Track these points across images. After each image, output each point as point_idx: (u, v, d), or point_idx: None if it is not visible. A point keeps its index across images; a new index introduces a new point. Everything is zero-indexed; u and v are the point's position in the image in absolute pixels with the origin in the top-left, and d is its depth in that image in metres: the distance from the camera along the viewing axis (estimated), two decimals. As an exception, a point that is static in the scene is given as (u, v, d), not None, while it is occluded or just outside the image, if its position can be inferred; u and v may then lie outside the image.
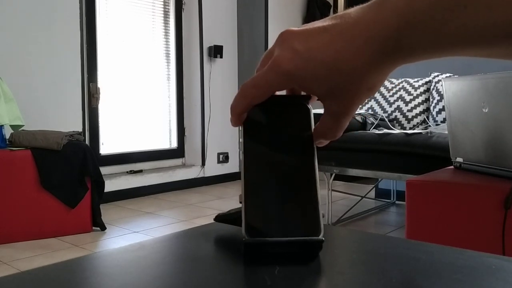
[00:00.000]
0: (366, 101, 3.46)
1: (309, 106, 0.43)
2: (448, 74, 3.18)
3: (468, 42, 0.31)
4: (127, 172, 4.14)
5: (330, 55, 0.34)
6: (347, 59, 0.34)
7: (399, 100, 3.29)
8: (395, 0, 0.32)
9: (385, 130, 2.89)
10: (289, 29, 0.37)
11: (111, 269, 0.39)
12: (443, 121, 3.04)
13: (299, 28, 0.37)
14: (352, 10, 0.35)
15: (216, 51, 4.63)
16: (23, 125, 2.95)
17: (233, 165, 4.90)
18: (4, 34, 3.26)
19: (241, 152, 0.42)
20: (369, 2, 0.34)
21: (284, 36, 0.37)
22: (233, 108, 0.40)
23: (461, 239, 1.55)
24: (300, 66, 0.35)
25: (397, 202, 3.83)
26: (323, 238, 0.38)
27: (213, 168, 4.73)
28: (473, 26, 0.30)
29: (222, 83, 4.76)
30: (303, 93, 0.42)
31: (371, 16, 0.33)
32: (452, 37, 0.31)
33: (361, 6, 0.34)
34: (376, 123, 3.05)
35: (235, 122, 0.41)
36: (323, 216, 0.39)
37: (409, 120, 3.24)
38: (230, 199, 4.03)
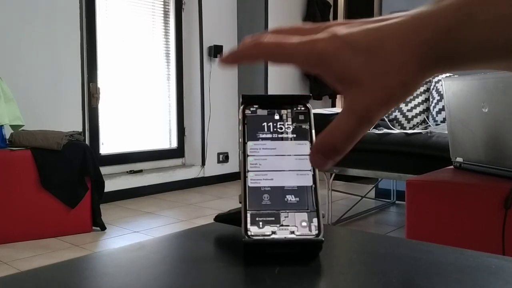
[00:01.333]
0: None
1: (309, 105, 0.43)
2: (448, 74, 3.18)
3: None
4: (127, 172, 4.14)
5: (372, 39, 0.32)
6: (390, 45, 0.32)
7: (399, 100, 3.29)
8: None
9: (385, 130, 2.89)
10: (341, 21, 0.35)
11: (111, 269, 0.39)
12: (443, 121, 3.04)
13: (350, 20, 0.35)
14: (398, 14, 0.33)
15: (216, 51, 4.63)
16: (23, 125, 2.95)
17: (233, 165, 4.90)
18: (4, 34, 3.26)
19: (241, 152, 0.42)
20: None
21: (332, 23, 0.35)
22: (240, 49, 0.36)
23: (461, 239, 1.55)
24: (337, 47, 0.33)
25: (397, 202, 3.83)
26: (323, 238, 0.38)
27: (213, 168, 4.73)
28: None
29: (222, 83, 4.76)
30: (303, 93, 0.42)
31: (427, 9, 0.31)
32: (508, 47, 0.28)
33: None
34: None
35: (226, 61, 0.37)
36: (323, 216, 0.39)
37: (409, 120, 3.24)
38: (230, 199, 4.03)
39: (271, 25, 4.91)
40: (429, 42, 0.31)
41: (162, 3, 4.42)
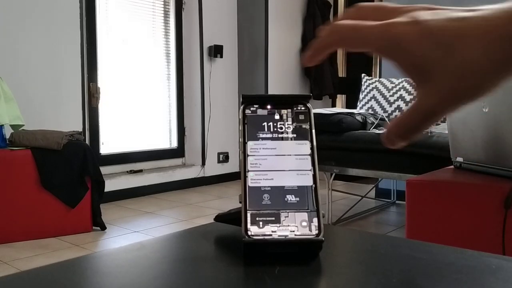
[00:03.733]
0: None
1: (309, 105, 0.43)
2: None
3: None
4: (127, 171, 4.14)
5: (453, 34, 0.30)
6: (470, 42, 0.29)
7: (399, 99, 3.29)
8: None
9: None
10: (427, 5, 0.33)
11: (111, 268, 0.39)
12: (443, 120, 3.04)
13: (437, 6, 0.33)
14: (489, 6, 0.31)
15: (216, 51, 4.63)
16: (23, 125, 2.95)
17: (233, 165, 4.90)
18: (4, 34, 3.26)
19: (241, 152, 0.42)
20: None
21: (416, 7, 0.32)
22: (318, 42, 0.35)
23: (461, 239, 1.55)
24: (414, 37, 0.31)
25: (397, 201, 3.83)
26: (323, 238, 0.38)
27: (213, 168, 4.73)
28: None
29: (222, 83, 4.76)
30: (303, 93, 0.42)
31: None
32: None
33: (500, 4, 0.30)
34: (376, 122, 3.05)
35: (310, 58, 0.36)
36: (323, 216, 0.39)
37: (409, 120, 3.24)
38: (230, 199, 4.03)
39: (271, 25, 4.91)
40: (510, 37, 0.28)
41: (162, 3, 4.42)
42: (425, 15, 0.31)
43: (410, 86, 3.30)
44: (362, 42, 0.33)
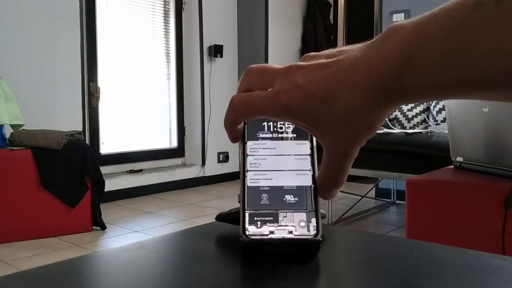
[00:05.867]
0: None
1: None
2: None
3: (469, 86, 0.30)
4: (127, 171, 4.14)
5: (329, 89, 0.34)
6: (345, 94, 0.33)
7: (399, 99, 3.29)
8: (397, 39, 0.31)
9: (385, 130, 2.89)
10: (297, 63, 0.37)
11: (111, 268, 0.39)
12: (443, 120, 3.04)
13: (306, 63, 0.36)
14: (356, 46, 0.35)
15: (216, 51, 4.63)
16: (23, 125, 2.95)
17: (233, 165, 4.90)
18: (4, 34, 3.26)
19: (240, 151, 0.42)
20: (373, 39, 0.34)
21: (291, 69, 0.36)
22: (224, 121, 0.39)
23: (461, 239, 1.55)
24: (299, 100, 0.35)
25: (397, 201, 3.83)
26: (321, 239, 0.38)
27: (213, 168, 4.73)
28: (475, 71, 0.29)
29: (222, 83, 4.76)
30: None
31: (372, 53, 0.33)
32: (453, 80, 0.30)
33: (365, 43, 0.34)
34: (376, 122, 3.04)
35: (230, 137, 0.40)
36: (324, 217, 0.39)
37: (409, 120, 3.24)
38: (230, 198, 4.03)
39: (271, 25, 4.91)
40: (378, 87, 0.32)
41: (162, 2, 4.42)
42: (301, 77, 0.35)
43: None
44: (259, 113, 0.37)
